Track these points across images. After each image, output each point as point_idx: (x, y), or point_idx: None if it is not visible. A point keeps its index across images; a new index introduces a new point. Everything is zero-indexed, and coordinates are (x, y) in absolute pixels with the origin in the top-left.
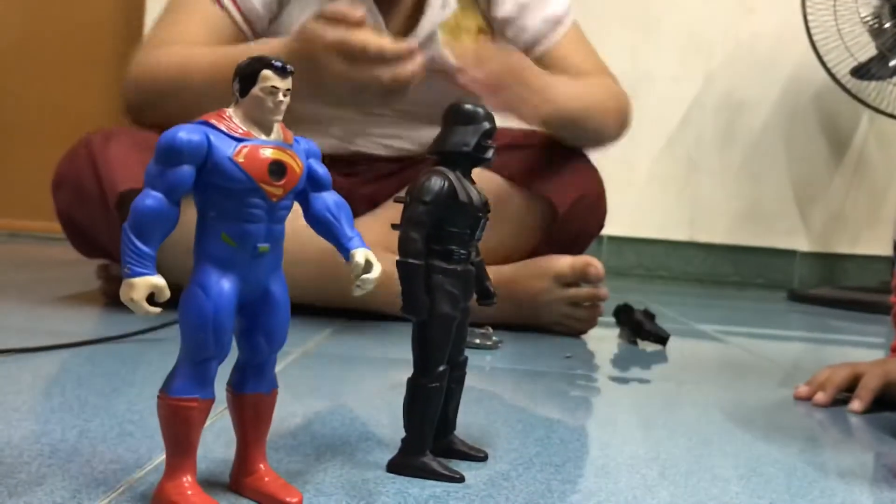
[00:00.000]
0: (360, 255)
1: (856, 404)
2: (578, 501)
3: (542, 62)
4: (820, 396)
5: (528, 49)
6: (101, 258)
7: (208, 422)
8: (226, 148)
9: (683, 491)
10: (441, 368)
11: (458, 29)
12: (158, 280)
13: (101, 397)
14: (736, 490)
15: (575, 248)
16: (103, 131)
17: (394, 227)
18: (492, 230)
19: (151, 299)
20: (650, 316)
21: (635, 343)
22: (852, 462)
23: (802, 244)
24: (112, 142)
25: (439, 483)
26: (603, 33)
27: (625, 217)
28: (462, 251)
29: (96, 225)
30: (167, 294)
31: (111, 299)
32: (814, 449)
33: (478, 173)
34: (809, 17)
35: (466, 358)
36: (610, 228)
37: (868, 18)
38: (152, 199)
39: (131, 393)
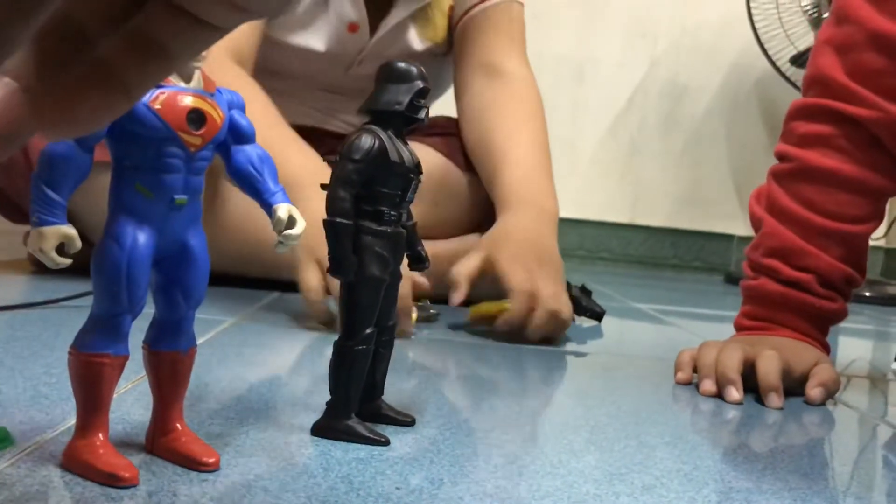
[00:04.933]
0: (282, 210)
1: (775, 400)
2: (504, 465)
3: (466, 24)
4: (733, 393)
5: (466, 11)
6: (28, 225)
7: (128, 385)
8: None
9: (609, 456)
10: (368, 331)
11: (431, 20)
12: (69, 230)
13: (18, 360)
14: (661, 456)
15: None
16: None
17: (323, 186)
18: (436, 206)
19: (62, 250)
20: (587, 292)
21: (572, 319)
22: (777, 431)
23: (740, 229)
24: None
25: (364, 446)
26: (549, 17)
27: (568, 199)
28: (392, 213)
29: (22, 190)
30: (78, 244)
31: (38, 267)
32: (740, 418)
33: (421, 152)
34: (752, 6)
35: (395, 323)
36: None
37: (808, 8)
38: (62, 144)
39: (50, 357)
